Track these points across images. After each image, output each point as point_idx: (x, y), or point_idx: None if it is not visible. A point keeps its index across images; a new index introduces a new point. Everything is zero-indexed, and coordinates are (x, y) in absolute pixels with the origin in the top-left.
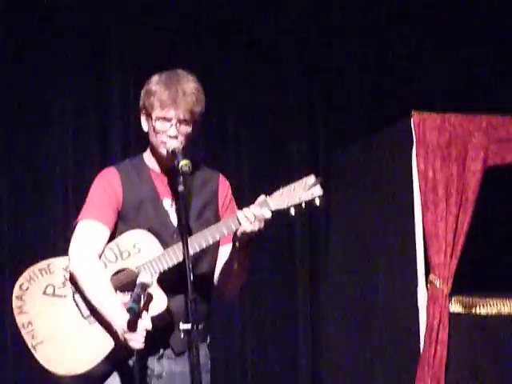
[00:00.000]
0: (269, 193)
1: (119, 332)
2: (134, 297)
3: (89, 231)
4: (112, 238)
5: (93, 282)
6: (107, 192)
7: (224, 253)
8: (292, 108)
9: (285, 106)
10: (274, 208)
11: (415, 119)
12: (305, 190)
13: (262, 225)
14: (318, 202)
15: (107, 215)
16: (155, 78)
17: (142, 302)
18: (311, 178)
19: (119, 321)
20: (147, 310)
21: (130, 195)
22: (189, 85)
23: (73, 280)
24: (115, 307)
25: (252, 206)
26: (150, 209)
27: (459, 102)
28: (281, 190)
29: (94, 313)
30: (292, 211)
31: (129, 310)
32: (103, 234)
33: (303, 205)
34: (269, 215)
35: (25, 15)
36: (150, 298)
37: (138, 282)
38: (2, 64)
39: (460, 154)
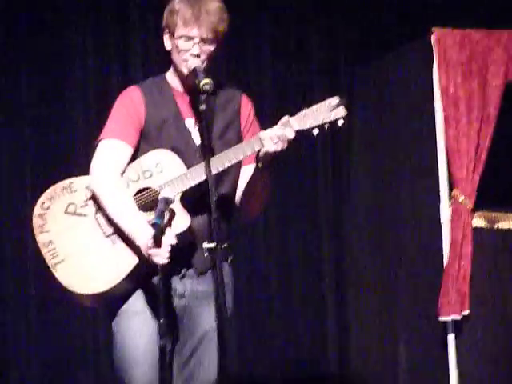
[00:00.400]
0: (292, 113)
1: (143, 248)
2: (158, 212)
3: (111, 150)
4: (134, 156)
5: (115, 199)
6: (130, 110)
7: (246, 172)
8: (312, 26)
9: (305, 27)
10: (296, 128)
11: (436, 35)
12: (328, 111)
13: (286, 145)
14: (341, 122)
15: (130, 134)
16: None
17: (166, 218)
18: (335, 99)
19: (143, 237)
20: (170, 228)
21: (153, 114)
22: (212, 3)
23: (95, 198)
24: (139, 224)
25: (275, 127)
26: (173, 128)
27: (479, 18)
28: (304, 110)
29: (117, 231)
30: (315, 132)
31: (153, 225)
32: (125, 153)
33: (326, 126)
34: (292, 135)
35: None
36: (173, 215)
37: (160, 197)
38: None
39: (481, 69)
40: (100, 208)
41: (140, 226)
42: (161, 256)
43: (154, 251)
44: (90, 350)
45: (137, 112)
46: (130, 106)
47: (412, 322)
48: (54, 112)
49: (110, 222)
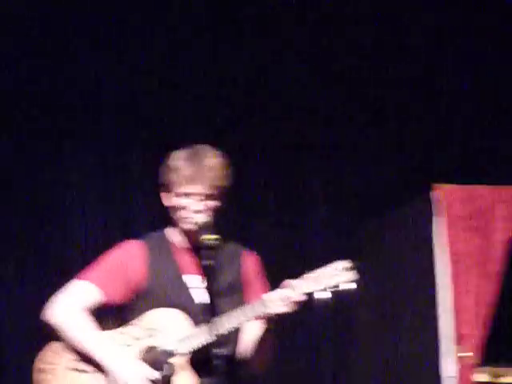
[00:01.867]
0: (299, 275)
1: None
2: (158, 364)
3: (77, 291)
4: (128, 314)
5: (74, 324)
6: (123, 266)
7: (251, 326)
8: (314, 180)
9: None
10: (305, 291)
11: (437, 192)
12: (337, 275)
13: (291, 307)
14: (351, 286)
15: (110, 285)
16: (178, 154)
17: (166, 371)
18: (345, 263)
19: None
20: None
21: (154, 272)
22: (213, 160)
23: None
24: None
25: (279, 290)
26: (173, 286)
27: (481, 174)
28: (307, 275)
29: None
30: (325, 295)
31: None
32: (92, 299)
33: (334, 289)
34: (295, 297)
35: None
36: (173, 370)
37: (160, 349)
38: None
39: (484, 225)
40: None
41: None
42: None
43: None
44: None
45: (131, 270)
46: (125, 263)
47: None
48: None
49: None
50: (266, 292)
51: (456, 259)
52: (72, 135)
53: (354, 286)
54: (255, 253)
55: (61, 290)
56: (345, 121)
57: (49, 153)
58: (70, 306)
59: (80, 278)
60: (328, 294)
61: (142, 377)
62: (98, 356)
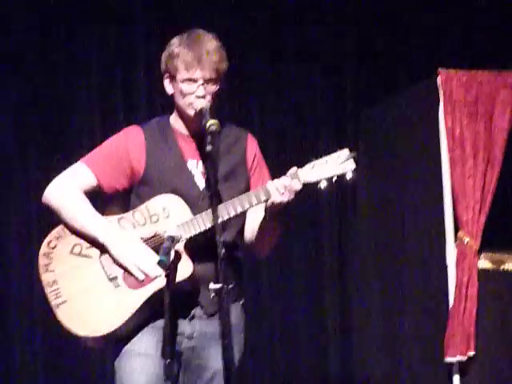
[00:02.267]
0: (300, 165)
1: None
2: (164, 250)
3: (74, 173)
4: (126, 199)
5: (73, 201)
6: (122, 149)
7: (254, 212)
8: (319, 68)
9: (312, 67)
10: (304, 180)
11: (442, 76)
12: (337, 164)
13: (292, 196)
14: (349, 176)
15: (105, 170)
16: (176, 40)
17: (172, 255)
18: (344, 152)
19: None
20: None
21: (154, 157)
22: (211, 43)
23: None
24: (109, 225)
25: (282, 177)
26: (175, 171)
27: (486, 59)
28: (312, 162)
29: (120, 274)
30: (322, 185)
31: (159, 262)
32: (88, 183)
33: (334, 179)
34: (299, 187)
35: None
36: (179, 256)
37: (166, 235)
38: None
39: (487, 110)
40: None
41: (105, 228)
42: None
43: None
44: None
45: (127, 155)
46: (123, 149)
47: (417, 363)
48: (61, 148)
49: (114, 263)
50: (269, 179)
51: (458, 144)
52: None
53: (355, 174)
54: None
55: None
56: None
57: None
58: (69, 188)
59: (79, 161)
60: (331, 183)
61: (150, 259)
62: (100, 236)
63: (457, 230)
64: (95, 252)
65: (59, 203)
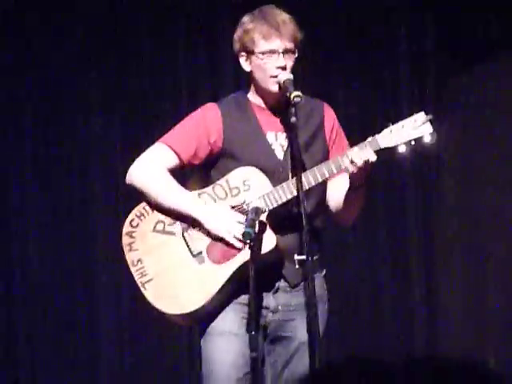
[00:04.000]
0: (379, 130)
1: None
2: (249, 221)
3: (160, 154)
4: (205, 174)
5: (162, 182)
6: (199, 129)
7: (337, 181)
8: (399, 38)
9: (390, 34)
10: (383, 146)
11: None
12: (414, 128)
13: (369, 167)
14: (428, 139)
15: (186, 150)
16: (247, 18)
17: (257, 227)
18: (421, 116)
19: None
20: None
21: (232, 130)
22: (283, 14)
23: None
24: (199, 201)
25: (361, 144)
26: (255, 144)
27: None
28: (390, 127)
29: (205, 248)
30: (401, 149)
31: (244, 234)
32: (172, 163)
33: (413, 142)
34: (374, 158)
35: None
36: (264, 228)
37: (251, 207)
38: None
39: None
40: (148, 200)
41: (196, 203)
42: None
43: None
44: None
45: (206, 132)
46: (200, 124)
47: (504, 333)
48: (147, 127)
49: (198, 240)
50: (347, 145)
51: None
52: None
53: (434, 136)
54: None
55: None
56: None
57: None
58: (153, 168)
59: (158, 142)
60: (410, 147)
61: (241, 227)
62: (193, 211)
63: None
64: (178, 228)
65: (146, 184)
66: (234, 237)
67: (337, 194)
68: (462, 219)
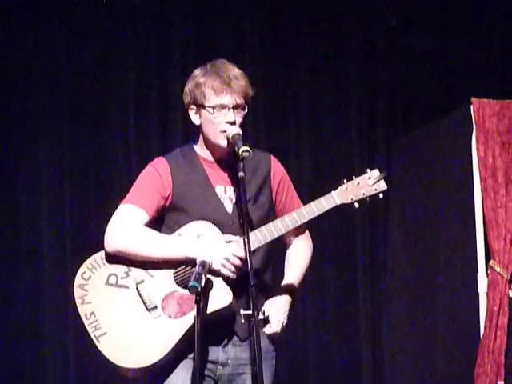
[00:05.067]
0: (333, 187)
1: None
2: (195, 275)
3: (129, 213)
4: (157, 228)
5: (145, 236)
6: (153, 182)
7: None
8: (352, 99)
9: (346, 95)
10: (339, 202)
11: (475, 105)
12: (369, 185)
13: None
14: (381, 195)
15: (149, 204)
16: (199, 71)
17: (203, 281)
18: (375, 173)
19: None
20: (212, 303)
21: (181, 184)
22: (235, 70)
23: (117, 258)
24: (181, 241)
25: (316, 201)
26: (203, 197)
27: None
28: (345, 184)
29: (160, 304)
30: (356, 205)
31: (190, 288)
32: (142, 219)
33: (367, 199)
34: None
35: None
36: (210, 286)
37: (198, 261)
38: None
39: None
40: (130, 261)
41: (184, 242)
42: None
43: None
44: None
45: (161, 185)
46: (154, 179)
47: None
48: (94, 170)
49: (153, 293)
50: (297, 198)
51: (490, 174)
52: None
53: (383, 193)
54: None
55: (111, 217)
56: None
57: None
58: (130, 226)
59: (122, 204)
60: (365, 202)
61: (234, 252)
62: (188, 252)
63: (488, 259)
64: (131, 282)
65: (130, 243)
66: (234, 255)
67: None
68: (408, 271)
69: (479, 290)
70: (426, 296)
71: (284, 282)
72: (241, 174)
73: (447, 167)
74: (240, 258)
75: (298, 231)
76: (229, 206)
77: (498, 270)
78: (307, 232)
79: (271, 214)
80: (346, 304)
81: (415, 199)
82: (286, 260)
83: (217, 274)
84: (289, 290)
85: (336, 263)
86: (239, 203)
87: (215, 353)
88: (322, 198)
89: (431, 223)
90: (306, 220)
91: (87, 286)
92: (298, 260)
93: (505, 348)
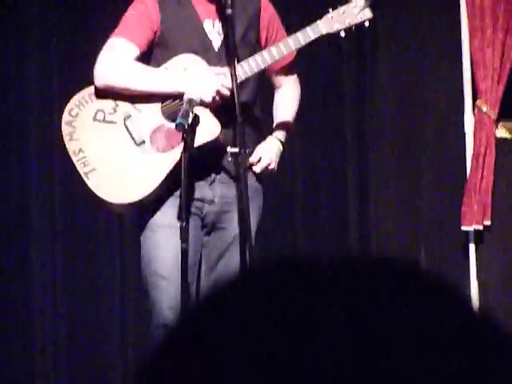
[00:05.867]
0: (319, 17)
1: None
2: (182, 112)
3: (118, 47)
4: (146, 62)
5: (132, 69)
6: (141, 15)
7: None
8: None
9: None
10: (324, 32)
11: None
12: (354, 14)
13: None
14: (367, 24)
15: (138, 36)
16: None
17: (191, 118)
18: (360, 1)
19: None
20: (200, 136)
21: (168, 18)
22: None
23: (106, 92)
24: (170, 75)
25: (303, 30)
26: (191, 32)
27: None
28: (330, 13)
29: (148, 138)
30: (342, 34)
31: (177, 125)
32: (132, 52)
33: (353, 28)
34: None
35: None
36: (197, 121)
37: (184, 98)
38: None
39: None
40: (118, 94)
41: (177, 76)
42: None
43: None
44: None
45: (149, 17)
46: (141, 11)
47: (434, 230)
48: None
49: (141, 128)
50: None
51: (477, 13)
52: None
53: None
54: None
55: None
56: None
57: None
58: (120, 59)
59: (112, 37)
60: (351, 31)
61: (223, 83)
62: (176, 86)
63: (475, 99)
64: (119, 117)
65: (120, 77)
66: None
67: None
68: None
69: (466, 131)
70: (412, 135)
71: (275, 126)
72: (229, 10)
73: (435, 9)
74: (229, 89)
75: (287, 71)
76: (216, 41)
77: (484, 109)
78: (296, 76)
79: (259, 51)
80: (332, 148)
81: (400, 40)
82: (274, 107)
83: (205, 105)
84: (279, 135)
85: (323, 108)
86: (227, 39)
87: (202, 190)
88: (307, 28)
89: (418, 62)
90: (292, 50)
91: (75, 122)
92: (286, 105)
93: (491, 189)
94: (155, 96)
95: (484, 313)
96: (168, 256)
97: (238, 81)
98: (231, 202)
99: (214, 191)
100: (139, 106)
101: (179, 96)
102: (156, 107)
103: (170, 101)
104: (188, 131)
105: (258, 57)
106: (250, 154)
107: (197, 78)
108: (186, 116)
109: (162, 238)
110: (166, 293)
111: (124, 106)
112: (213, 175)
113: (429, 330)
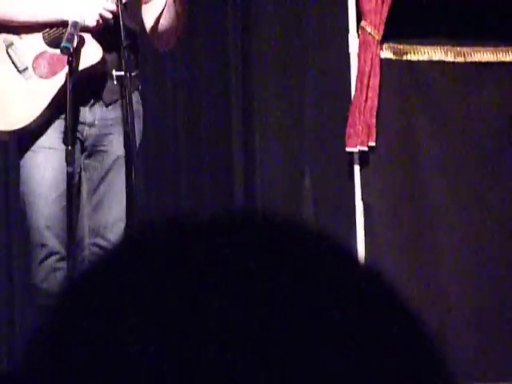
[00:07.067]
0: None
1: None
2: (67, 36)
3: None
4: None
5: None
6: None
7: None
8: None
9: None
10: None
11: None
12: None
13: None
14: None
15: None
16: None
17: (76, 41)
18: None
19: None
20: (84, 60)
21: None
22: None
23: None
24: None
25: None
26: None
27: None
28: None
29: (31, 64)
30: None
31: (62, 49)
32: None
33: None
34: None
35: None
36: (82, 42)
37: (70, 21)
38: None
39: None
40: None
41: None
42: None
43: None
44: None
45: None
46: None
47: (318, 152)
48: None
49: (23, 55)
50: None
51: None
52: None
53: None
54: None
55: None
56: None
57: None
58: None
59: None
60: None
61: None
62: (60, 13)
63: (359, 20)
64: (1, 46)
65: (3, 8)
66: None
67: (150, 15)
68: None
69: (350, 51)
70: (296, 56)
71: None
72: None
73: None
74: (112, 12)
75: None
76: None
77: (369, 30)
78: None
79: None
80: (218, 103)
81: None
82: None
83: (88, 30)
84: None
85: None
86: None
87: (83, 114)
88: None
89: None
90: None
91: None
92: None
93: (376, 109)
94: (38, 25)
95: (370, 271)
96: (46, 177)
97: (123, 1)
98: (111, 125)
99: (94, 114)
100: (22, 34)
101: (62, 24)
102: (38, 35)
103: (53, 28)
104: (73, 55)
105: None
106: (136, 77)
107: (80, 1)
108: (71, 39)
109: (42, 159)
110: (43, 212)
111: (6, 35)
112: (94, 98)
113: (311, 285)
